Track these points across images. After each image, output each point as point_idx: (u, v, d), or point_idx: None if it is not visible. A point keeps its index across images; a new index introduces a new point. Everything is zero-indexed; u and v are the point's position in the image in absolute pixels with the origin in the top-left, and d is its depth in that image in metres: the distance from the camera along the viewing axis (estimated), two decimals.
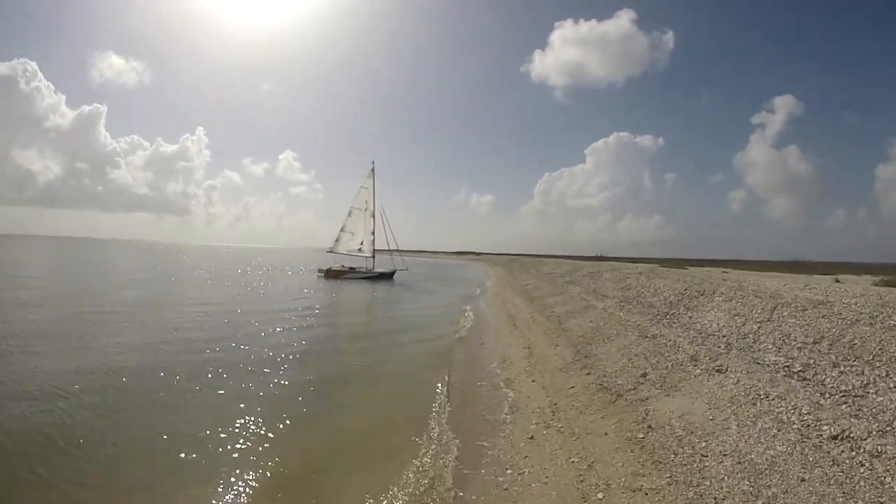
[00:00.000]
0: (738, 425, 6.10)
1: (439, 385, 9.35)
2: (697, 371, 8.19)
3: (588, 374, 8.58)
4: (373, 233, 45.57)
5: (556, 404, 7.32)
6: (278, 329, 15.01)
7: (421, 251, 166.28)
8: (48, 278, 30.35)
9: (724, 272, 23.49)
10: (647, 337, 10.77)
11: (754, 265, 31.59)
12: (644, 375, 8.13)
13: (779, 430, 5.92)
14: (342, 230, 45.65)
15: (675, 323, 11.60)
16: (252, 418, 7.20)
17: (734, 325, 9.89)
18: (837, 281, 15.68)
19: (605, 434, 6.07)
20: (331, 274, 42.42)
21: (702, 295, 13.39)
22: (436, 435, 6.81)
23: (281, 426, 6.99)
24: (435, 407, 8.05)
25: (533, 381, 8.71)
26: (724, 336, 9.57)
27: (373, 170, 46.55)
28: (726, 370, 7.98)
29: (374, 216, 45.67)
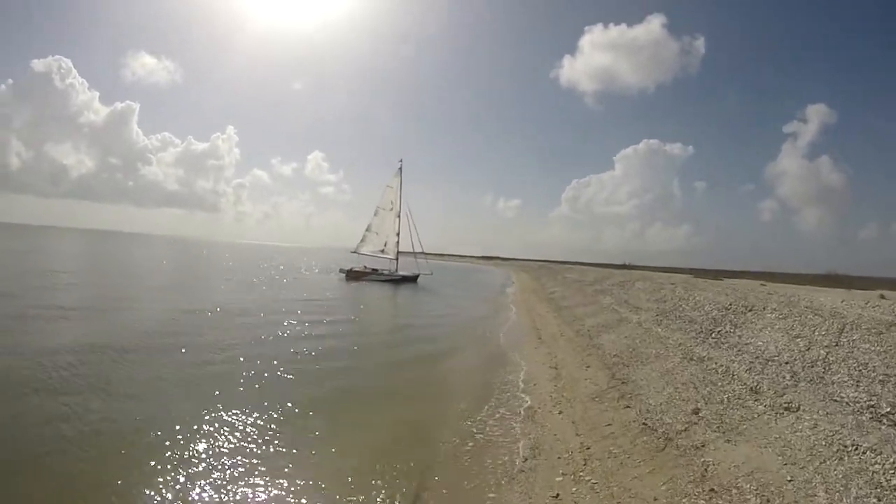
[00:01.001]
0: (826, 490, 4.76)
1: (453, 412, 8.21)
2: (761, 408, 6.83)
3: (627, 406, 7.25)
4: (397, 234, 44.36)
5: (588, 448, 6.01)
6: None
7: (446, 255, 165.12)
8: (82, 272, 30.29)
9: (763, 285, 21.77)
10: (692, 360, 9.39)
11: (790, 278, 29.61)
12: (696, 412, 6.80)
13: (880, 502, 4.60)
14: (367, 230, 44.66)
15: (723, 343, 10.19)
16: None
17: (796, 350, 8.47)
18: (883, 297, 13.94)
19: (655, 500, 4.77)
20: (352, 275, 41.53)
21: (749, 310, 11.98)
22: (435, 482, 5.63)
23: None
24: (443, 442, 6.89)
25: (560, 414, 7.41)
26: (785, 363, 8.16)
27: (400, 168, 45.24)
28: (798, 408, 6.61)
29: (399, 217, 44.41)
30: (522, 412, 7.76)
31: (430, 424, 7.51)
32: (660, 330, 12.28)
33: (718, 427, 6.38)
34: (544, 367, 10.57)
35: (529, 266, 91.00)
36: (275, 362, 10.63)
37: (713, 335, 11.01)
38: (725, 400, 7.19)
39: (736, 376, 7.98)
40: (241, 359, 10.86)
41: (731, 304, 12.87)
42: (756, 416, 6.73)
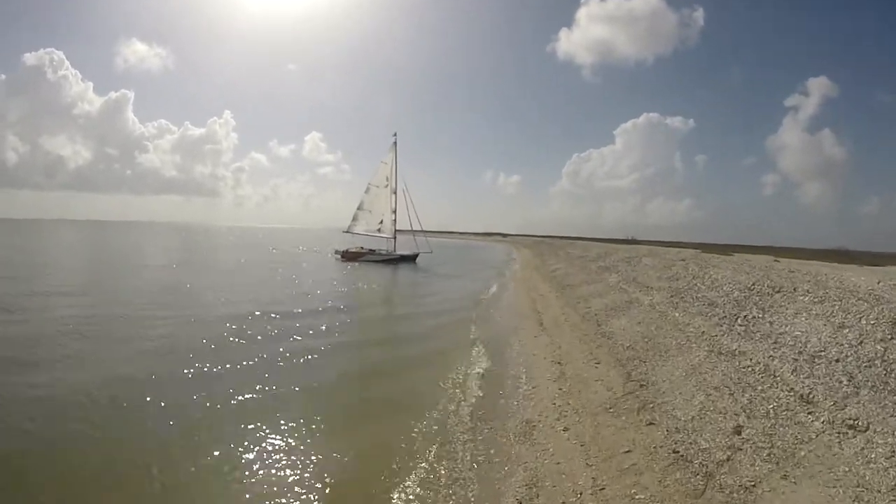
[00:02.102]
0: None
1: (431, 422, 6.87)
2: (818, 425, 5.43)
3: (651, 423, 5.82)
4: (394, 211, 42.16)
5: (603, 489, 4.52)
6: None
7: (447, 232, 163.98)
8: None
9: (776, 260, 20.34)
10: (721, 354, 7.97)
11: (799, 253, 28.23)
12: (738, 430, 5.41)
13: None
14: (359, 208, 42.64)
15: (753, 332, 8.76)
16: None
17: (846, 344, 7.03)
18: None
19: None
20: (348, 256, 40.02)
21: (777, 292, 10.58)
22: None
23: None
24: (411, 468, 5.55)
25: (566, 431, 5.97)
26: (836, 360, 6.73)
27: (395, 143, 42.99)
28: (866, 427, 5.21)
29: (395, 193, 42.25)
30: (518, 427, 6.32)
31: (396, 449, 6.09)
32: (677, 314, 10.86)
33: (770, 454, 4.99)
34: (546, 363, 9.13)
35: (530, 242, 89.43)
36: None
37: (739, 321, 9.60)
38: (772, 412, 5.80)
39: (779, 378, 6.56)
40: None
41: (753, 284, 11.48)
42: (814, 436, 5.33)
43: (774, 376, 6.70)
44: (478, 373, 9.31)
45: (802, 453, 5.11)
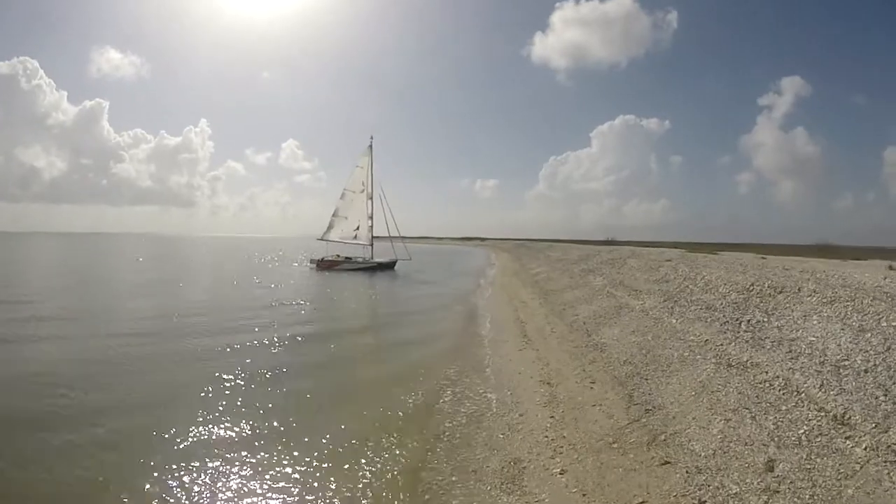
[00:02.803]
0: None
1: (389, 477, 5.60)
2: (860, 451, 4.49)
3: (666, 462, 4.78)
4: (370, 217, 40.67)
5: None
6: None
7: (426, 237, 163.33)
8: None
9: (763, 258, 19.84)
10: (731, 366, 7.06)
11: (781, 249, 28.00)
12: (771, 466, 4.44)
13: None
14: (334, 215, 41.18)
15: (762, 339, 7.89)
16: None
17: (871, 350, 6.17)
18: (892, 268, 11.96)
19: None
20: (323, 265, 38.55)
21: (779, 293, 9.82)
22: None
23: None
24: None
25: (563, 474, 4.82)
26: (865, 371, 5.85)
27: (370, 146, 41.55)
28: None
29: (371, 198, 40.77)
30: (504, 470, 5.19)
31: None
32: (674, 321, 9.98)
33: (812, 496, 4.05)
34: (533, 384, 8.05)
35: (508, 245, 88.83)
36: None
37: (744, 326, 8.75)
38: (804, 439, 4.86)
39: (805, 395, 5.65)
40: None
41: (751, 285, 10.71)
42: (858, 468, 4.40)
43: (798, 392, 5.78)
44: (454, 397, 8.13)
45: (850, 492, 4.18)
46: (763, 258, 19.70)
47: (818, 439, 4.87)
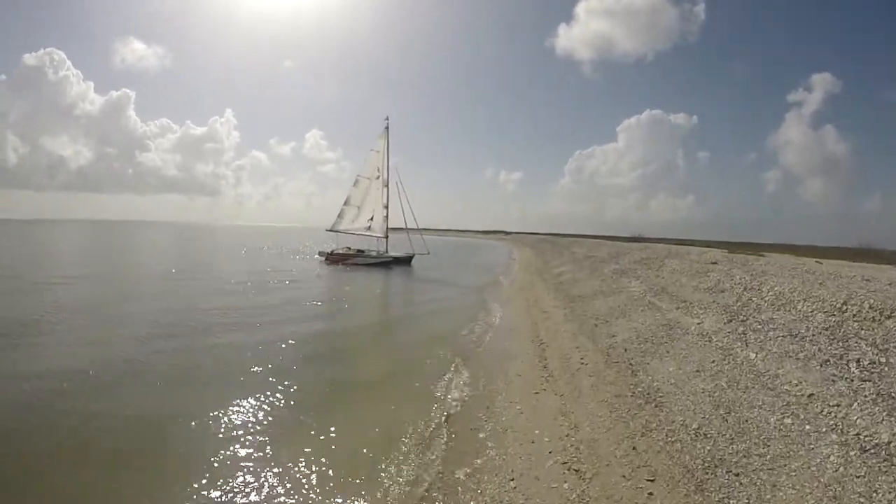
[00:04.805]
0: None
1: None
2: None
3: None
4: (385, 206, 37.84)
5: None
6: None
7: (447, 230, 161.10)
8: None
9: (819, 262, 16.97)
10: (866, 452, 4.51)
11: (819, 252, 25.00)
12: None
13: None
14: (346, 203, 38.04)
15: (892, 395, 5.36)
16: None
17: None
18: None
19: None
20: (333, 258, 36.17)
21: (888, 317, 7.27)
22: None
23: None
24: None
25: None
26: None
27: (387, 128, 38.32)
28: None
29: (387, 185, 37.80)
30: None
31: None
32: (751, 355, 7.36)
33: None
34: (555, 469, 5.27)
35: (532, 240, 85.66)
36: None
37: (855, 370, 6.19)
38: None
39: None
40: None
41: (843, 304, 8.13)
42: None
43: None
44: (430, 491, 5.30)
45: None
46: (819, 262, 16.89)
47: None
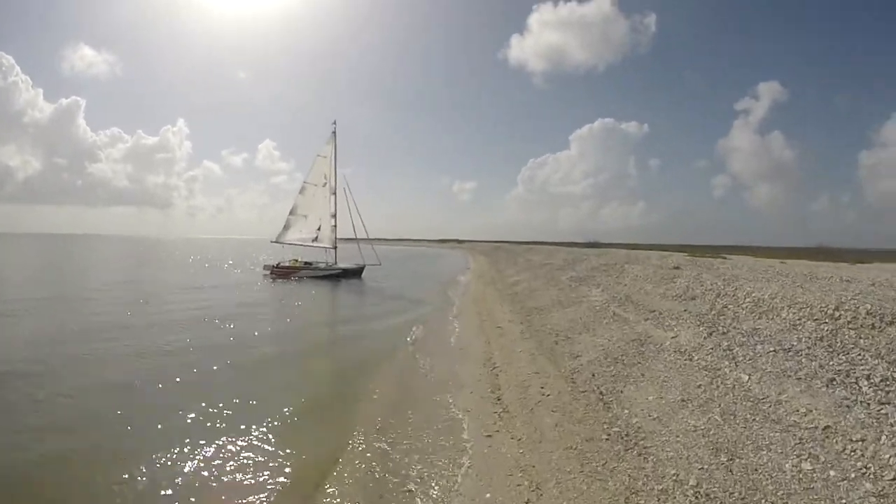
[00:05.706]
0: None
1: None
2: None
3: None
4: (333, 216, 35.87)
5: None
6: None
7: (400, 239, 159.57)
8: None
9: (783, 262, 16.49)
10: None
11: (776, 252, 25.48)
12: None
13: None
14: (292, 213, 35.92)
15: None
16: None
17: None
18: None
19: None
20: (278, 271, 33.66)
21: (889, 324, 6.31)
22: None
23: None
24: None
25: None
26: None
27: (334, 132, 36.43)
28: None
29: (335, 193, 35.92)
30: None
31: None
32: (743, 376, 6.09)
33: None
34: None
35: (486, 248, 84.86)
36: None
37: (867, 389, 5.02)
38: None
39: None
40: None
41: (835, 310, 7.13)
42: None
43: None
44: None
45: None
46: (783, 262, 16.35)
47: None
